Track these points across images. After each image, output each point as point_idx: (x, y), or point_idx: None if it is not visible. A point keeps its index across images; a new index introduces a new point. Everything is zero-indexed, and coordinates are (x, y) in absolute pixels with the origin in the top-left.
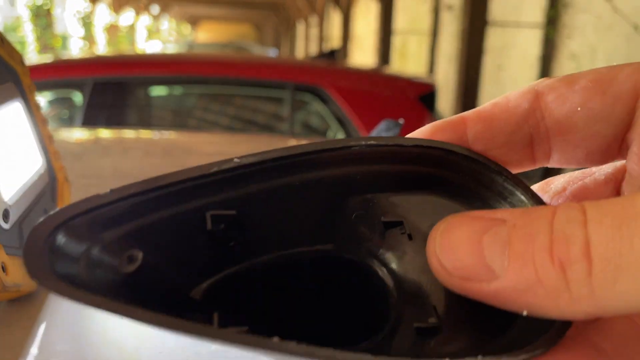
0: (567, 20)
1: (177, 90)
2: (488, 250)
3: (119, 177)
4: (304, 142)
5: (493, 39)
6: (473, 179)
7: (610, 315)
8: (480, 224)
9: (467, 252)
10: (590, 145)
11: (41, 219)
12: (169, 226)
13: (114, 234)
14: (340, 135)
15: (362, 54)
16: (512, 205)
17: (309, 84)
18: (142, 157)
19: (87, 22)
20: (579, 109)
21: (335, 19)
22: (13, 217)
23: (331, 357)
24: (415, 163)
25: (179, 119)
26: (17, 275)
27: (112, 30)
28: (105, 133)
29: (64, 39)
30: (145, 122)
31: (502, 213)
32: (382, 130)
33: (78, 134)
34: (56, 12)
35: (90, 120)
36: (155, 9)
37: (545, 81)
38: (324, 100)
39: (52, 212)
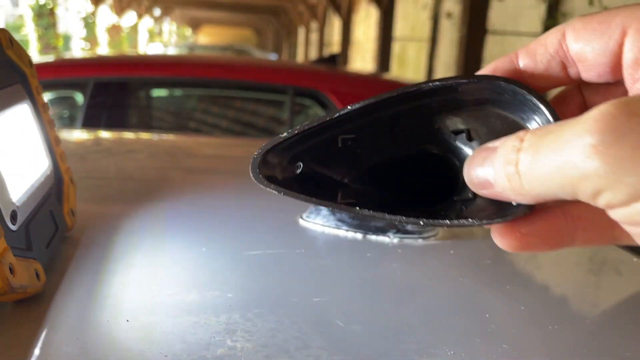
0: None
1: (178, 91)
2: (486, 170)
3: (122, 178)
4: None
5: (492, 47)
6: (514, 98)
7: (546, 201)
8: (485, 153)
9: (478, 171)
10: (599, 69)
11: (258, 150)
12: (319, 147)
13: (290, 154)
14: None
15: (362, 60)
16: (538, 117)
17: (309, 88)
18: (145, 159)
19: (89, 22)
20: (587, 46)
21: (335, 24)
22: (20, 219)
23: (377, 215)
24: (474, 90)
25: (179, 121)
26: (24, 276)
27: (113, 30)
28: (108, 134)
29: (66, 38)
30: (145, 123)
31: (498, 142)
32: None
33: (81, 135)
34: (59, 11)
35: (90, 120)
36: (157, 11)
37: (571, 21)
38: (323, 104)
39: (264, 145)
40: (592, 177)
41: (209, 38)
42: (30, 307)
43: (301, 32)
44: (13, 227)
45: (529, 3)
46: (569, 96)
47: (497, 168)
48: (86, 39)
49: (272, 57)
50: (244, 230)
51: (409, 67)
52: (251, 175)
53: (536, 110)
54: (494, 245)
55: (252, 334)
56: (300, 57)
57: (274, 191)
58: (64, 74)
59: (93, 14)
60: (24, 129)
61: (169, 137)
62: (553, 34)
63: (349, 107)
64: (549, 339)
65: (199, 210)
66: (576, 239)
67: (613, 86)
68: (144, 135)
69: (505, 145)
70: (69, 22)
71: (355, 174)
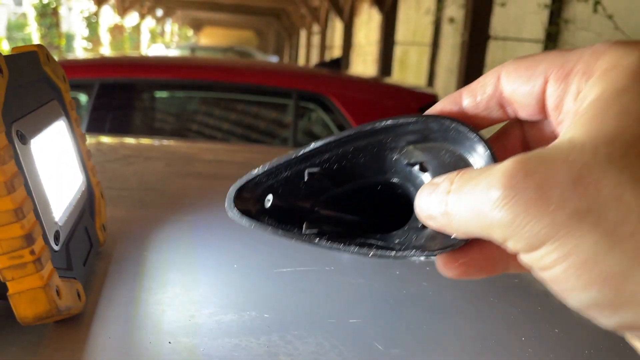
0: (568, 36)
1: (184, 94)
2: (430, 204)
3: (145, 189)
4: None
5: (494, 52)
6: (459, 134)
7: (474, 238)
8: (431, 188)
9: (423, 205)
10: (529, 110)
11: (232, 187)
12: (288, 180)
13: (261, 188)
14: None
15: (363, 63)
16: (478, 152)
17: (314, 92)
18: (164, 167)
19: (92, 22)
20: (517, 90)
21: (337, 27)
22: (62, 238)
23: (334, 247)
24: (424, 128)
25: (183, 123)
26: (68, 298)
27: (116, 30)
28: (122, 141)
29: (69, 38)
30: (150, 126)
31: (441, 179)
32: None
33: (95, 141)
34: (62, 11)
35: (95, 122)
36: (159, 12)
37: (506, 64)
38: (327, 108)
39: (237, 181)
40: (498, 226)
41: (211, 39)
42: (71, 328)
43: (303, 35)
44: (56, 248)
45: (531, 9)
46: (510, 130)
47: (436, 205)
48: (89, 39)
49: (273, 59)
50: (271, 245)
51: (410, 72)
52: (226, 209)
53: (477, 146)
54: None
55: (294, 357)
56: (301, 60)
57: (245, 224)
58: (69, 74)
59: (96, 13)
60: (62, 146)
61: (184, 144)
62: (490, 76)
63: (312, 145)
64: None
65: (223, 223)
66: (510, 266)
67: (547, 122)
68: (158, 142)
69: (441, 185)
70: (71, 21)
71: (324, 202)
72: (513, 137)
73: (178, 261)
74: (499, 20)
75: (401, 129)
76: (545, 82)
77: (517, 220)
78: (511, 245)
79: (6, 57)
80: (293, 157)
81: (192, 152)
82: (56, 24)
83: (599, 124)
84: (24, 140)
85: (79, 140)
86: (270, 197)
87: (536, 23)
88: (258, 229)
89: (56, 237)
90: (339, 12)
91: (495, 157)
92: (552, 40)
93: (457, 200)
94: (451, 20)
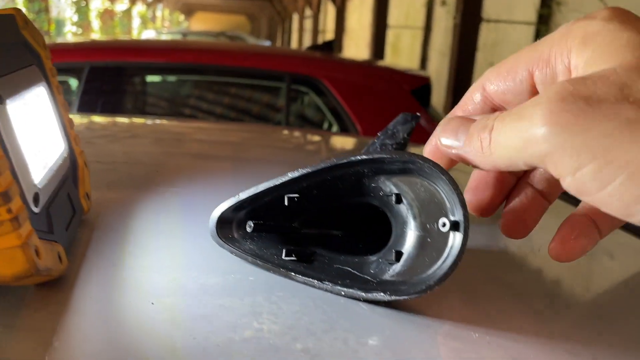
0: (560, 19)
1: (175, 77)
2: (457, 133)
3: (131, 162)
4: (298, 132)
5: (486, 35)
6: (432, 172)
7: (501, 169)
8: (458, 121)
9: (451, 133)
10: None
11: (216, 211)
12: (268, 206)
13: (242, 214)
14: (335, 127)
15: (356, 47)
16: (448, 192)
17: (306, 75)
18: (151, 144)
19: (81, 7)
20: (506, 91)
21: (329, 11)
22: (42, 201)
23: (308, 282)
24: (398, 162)
25: (175, 107)
26: (48, 259)
27: (106, 15)
28: (111, 119)
29: (58, 23)
30: (141, 109)
31: (473, 119)
32: (398, 123)
33: (83, 120)
34: None
35: (86, 105)
36: None
37: (486, 74)
38: (320, 91)
39: (219, 206)
40: (539, 141)
41: (202, 24)
42: (53, 290)
43: (295, 19)
44: (35, 210)
45: None
46: None
47: (473, 132)
48: (78, 24)
49: (266, 44)
50: None
51: (403, 55)
52: (210, 235)
53: (447, 187)
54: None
55: (278, 317)
56: (294, 44)
57: (227, 251)
58: (59, 58)
59: None
60: (42, 112)
61: (172, 123)
62: (475, 88)
63: (289, 175)
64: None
65: (210, 192)
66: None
67: None
68: (147, 121)
69: (472, 122)
70: (61, 6)
71: (305, 221)
72: None
73: (164, 229)
74: (491, 3)
75: (377, 162)
76: (531, 77)
77: (566, 132)
78: (558, 166)
79: None
80: (272, 185)
81: (181, 130)
82: (45, 9)
83: (615, 59)
84: (0, 100)
85: (60, 108)
86: (251, 223)
87: (528, 5)
88: (239, 257)
89: (35, 199)
90: None
91: (463, 199)
92: (544, 22)
93: (501, 125)
94: (443, 3)
